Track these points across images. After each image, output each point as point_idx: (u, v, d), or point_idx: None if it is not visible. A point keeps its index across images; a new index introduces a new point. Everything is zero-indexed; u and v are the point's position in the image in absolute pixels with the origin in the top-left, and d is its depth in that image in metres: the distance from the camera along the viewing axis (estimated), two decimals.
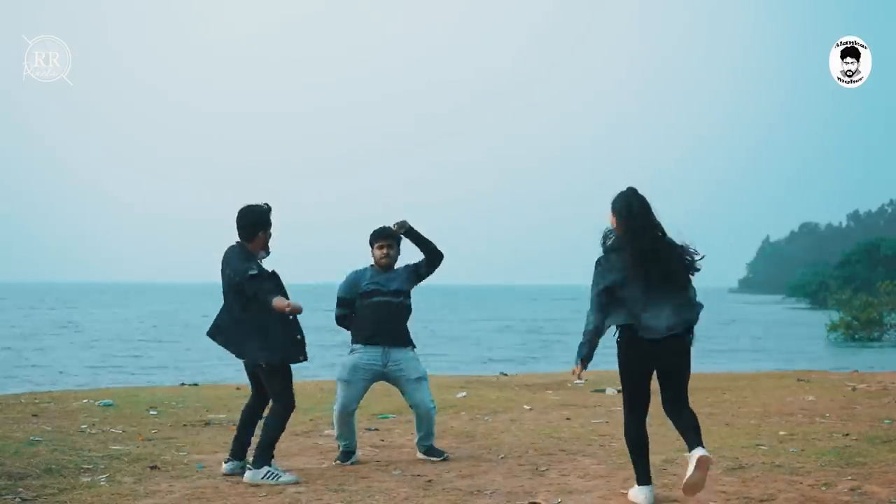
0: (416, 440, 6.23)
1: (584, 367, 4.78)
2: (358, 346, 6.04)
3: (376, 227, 6.19)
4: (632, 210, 4.73)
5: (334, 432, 6.15)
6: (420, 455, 6.18)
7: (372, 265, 6.18)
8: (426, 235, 6.17)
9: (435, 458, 6.07)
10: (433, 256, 6.17)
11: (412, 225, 6.14)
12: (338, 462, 6.01)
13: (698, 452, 4.60)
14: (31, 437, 6.64)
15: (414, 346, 6.16)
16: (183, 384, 13.06)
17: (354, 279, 6.16)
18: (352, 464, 5.98)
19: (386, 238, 6.13)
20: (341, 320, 6.26)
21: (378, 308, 6.01)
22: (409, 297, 6.15)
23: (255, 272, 5.43)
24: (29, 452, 6.03)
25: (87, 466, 5.78)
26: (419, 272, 6.20)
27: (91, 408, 8.73)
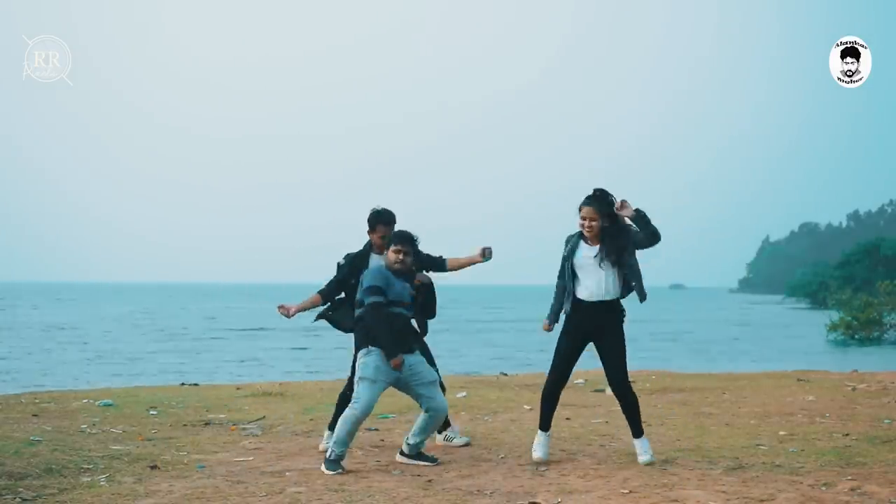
0: (411, 441, 5.96)
1: None
2: (374, 349, 5.75)
3: (400, 229, 6.02)
4: None
5: (335, 436, 5.72)
6: (402, 458, 5.97)
7: (385, 266, 5.92)
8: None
9: (426, 464, 5.89)
10: (426, 313, 6.11)
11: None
12: (331, 472, 5.61)
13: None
14: (31, 437, 6.64)
15: (418, 348, 6.01)
16: (183, 384, 13.06)
17: (386, 273, 5.83)
18: (340, 473, 5.63)
19: (405, 243, 5.89)
20: (378, 308, 5.71)
21: (396, 319, 5.79)
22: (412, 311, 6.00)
23: (340, 262, 6.32)
24: (29, 452, 6.03)
25: (87, 466, 5.78)
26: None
27: (91, 408, 8.73)
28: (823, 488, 5.09)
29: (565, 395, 10.12)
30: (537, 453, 5.92)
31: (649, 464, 5.72)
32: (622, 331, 5.79)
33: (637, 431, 5.84)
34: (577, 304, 5.78)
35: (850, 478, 5.33)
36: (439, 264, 6.40)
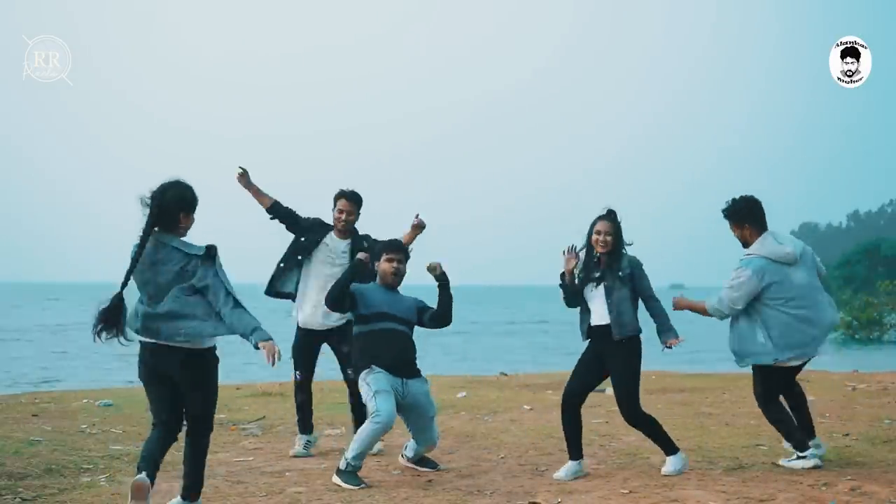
0: (409, 454, 5.82)
1: None
2: (377, 368, 5.55)
3: (386, 239, 5.90)
4: None
5: (355, 449, 5.34)
6: (402, 460, 5.84)
7: (375, 281, 5.81)
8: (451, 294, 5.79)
9: (428, 469, 5.77)
10: (444, 317, 5.80)
11: (446, 273, 5.75)
12: (353, 486, 5.24)
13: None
14: (31, 437, 6.64)
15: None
16: None
17: (360, 290, 5.71)
18: (363, 487, 5.26)
19: (397, 252, 5.76)
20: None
21: (391, 336, 5.61)
22: (413, 329, 5.80)
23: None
24: (29, 452, 6.03)
25: (87, 466, 5.79)
26: (422, 320, 5.82)
27: (91, 408, 8.73)
28: (823, 488, 5.09)
29: None
30: (559, 474, 5.54)
31: (673, 473, 5.44)
32: (630, 357, 5.55)
33: (669, 450, 5.54)
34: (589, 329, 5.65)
35: (850, 478, 5.33)
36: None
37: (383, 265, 5.75)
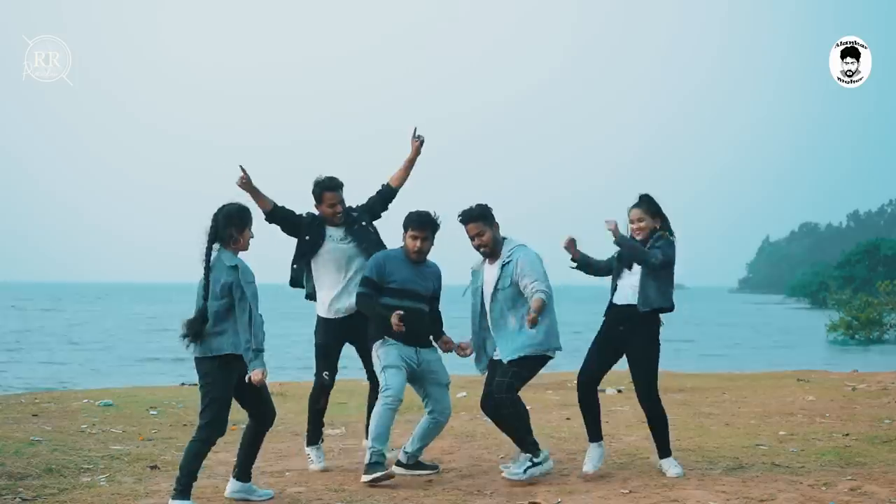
0: (410, 449, 5.64)
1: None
2: (391, 340, 5.52)
3: (413, 211, 5.67)
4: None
5: (374, 431, 5.38)
6: (400, 469, 5.56)
7: (403, 247, 5.67)
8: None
9: (428, 472, 5.66)
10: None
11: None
12: (375, 473, 5.28)
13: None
14: (31, 437, 6.64)
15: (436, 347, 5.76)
16: (183, 384, 13.04)
17: (383, 262, 5.59)
18: (378, 478, 5.29)
19: (422, 228, 5.58)
20: (362, 299, 5.57)
21: (411, 314, 5.44)
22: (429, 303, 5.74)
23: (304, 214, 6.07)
24: (29, 452, 6.04)
25: (87, 466, 5.79)
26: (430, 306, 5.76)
27: (91, 408, 8.73)
28: (823, 488, 5.09)
29: (565, 396, 10.16)
30: (585, 466, 5.59)
31: (679, 476, 5.41)
32: (649, 341, 5.50)
33: (664, 451, 5.54)
34: (609, 305, 5.65)
35: (850, 478, 5.34)
36: (387, 193, 5.94)
37: (407, 240, 5.62)
